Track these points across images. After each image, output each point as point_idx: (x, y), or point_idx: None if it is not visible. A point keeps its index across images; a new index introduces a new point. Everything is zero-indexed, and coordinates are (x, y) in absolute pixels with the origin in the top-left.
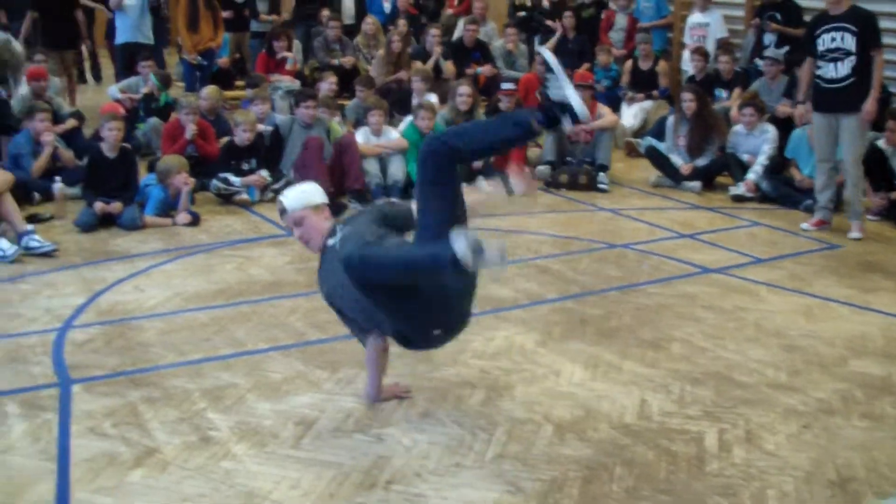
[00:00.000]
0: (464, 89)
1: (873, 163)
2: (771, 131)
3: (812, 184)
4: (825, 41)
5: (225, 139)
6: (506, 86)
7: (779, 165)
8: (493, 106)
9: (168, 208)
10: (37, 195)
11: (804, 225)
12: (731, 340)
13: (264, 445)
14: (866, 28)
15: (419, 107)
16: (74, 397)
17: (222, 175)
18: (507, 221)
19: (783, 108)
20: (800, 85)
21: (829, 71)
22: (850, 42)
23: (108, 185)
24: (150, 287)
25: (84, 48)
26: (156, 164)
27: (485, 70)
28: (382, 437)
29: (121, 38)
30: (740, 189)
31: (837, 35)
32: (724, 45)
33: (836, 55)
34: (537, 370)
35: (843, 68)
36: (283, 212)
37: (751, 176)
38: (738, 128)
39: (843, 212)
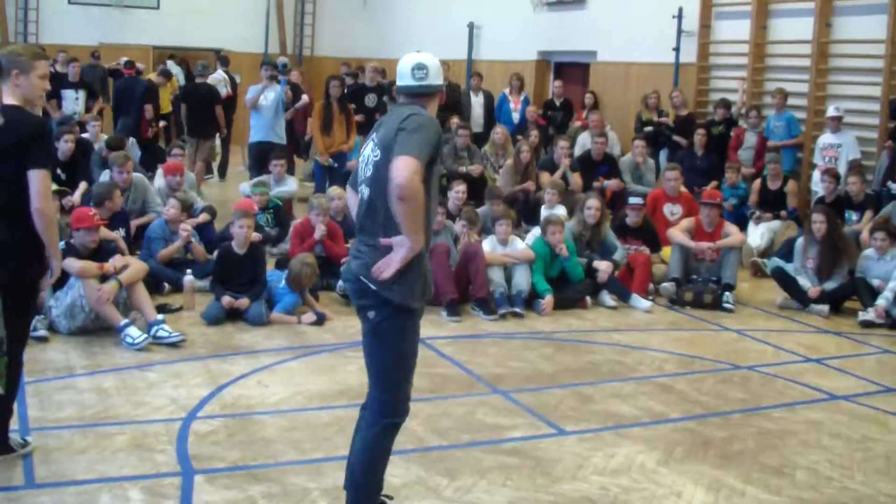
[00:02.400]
0: (592, 202)
1: None
2: None
3: None
4: None
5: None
6: (633, 200)
7: None
8: (620, 220)
9: (294, 307)
10: (166, 285)
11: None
12: (860, 472)
13: None
14: None
15: (548, 221)
16: (196, 488)
17: None
18: (629, 337)
19: None
20: None
21: None
22: None
23: (237, 280)
24: (273, 383)
25: (219, 142)
26: (280, 262)
27: (612, 184)
28: None
29: (255, 136)
30: (870, 315)
31: None
32: (855, 167)
33: None
34: (657, 490)
35: None
36: None
37: (881, 302)
38: (869, 252)
39: None
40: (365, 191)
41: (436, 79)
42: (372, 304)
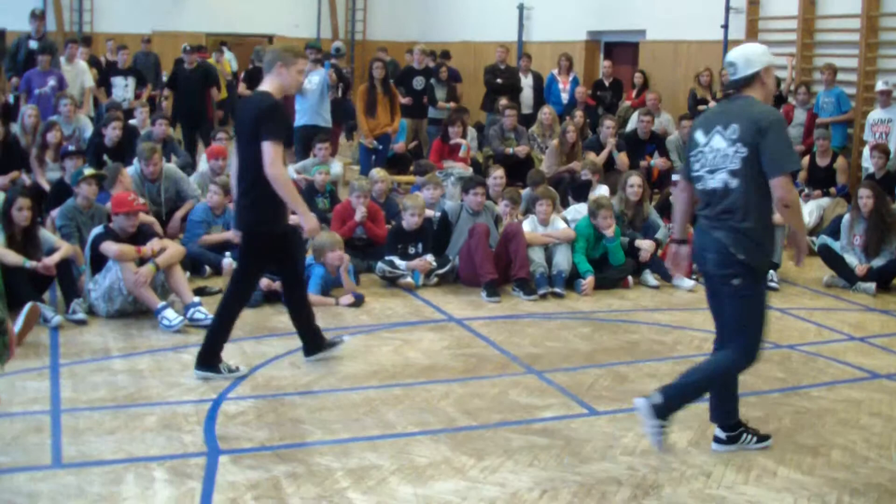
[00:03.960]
0: (634, 180)
1: None
2: None
3: None
4: None
5: (393, 223)
6: (676, 177)
7: None
8: (664, 199)
9: (332, 286)
10: (207, 268)
11: None
12: None
13: None
14: None
15: (600, 205)
16: (220, 468)
17: (388, 258)
18: (670, 317)
19: None
20: None
21: None
22: None
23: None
24: (305, 365)
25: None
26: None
27: (658, 163)
28: None
29: (300, 120)
30: None
31: None
32: None
33: None
34: (687, 470)
35: None
36: None
37: None
38: None
39: None
40: (722, 179)
41: (746, 69)
42: (738, 273)
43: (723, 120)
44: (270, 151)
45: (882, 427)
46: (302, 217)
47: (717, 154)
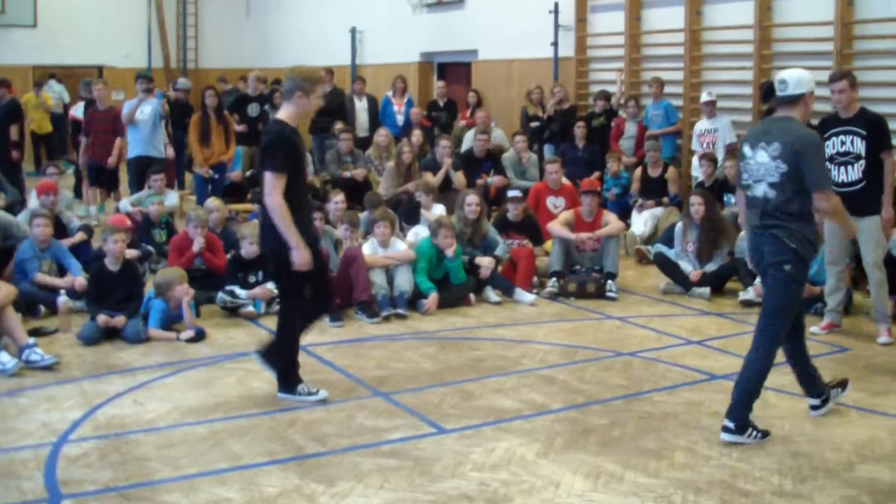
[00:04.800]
0: (471, 198)
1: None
2: None
3: (815, 288)
4: (835, 144)
5: (232, 252)
6: (512, 193)
7: None
8: (502, 216)
9: (172, 321)
10: (42, 308)
11: (814, 329)
12: (737, 448)
13: None
14: (876, 131)
15: (440, 224)
16: None
17: (229, 288)
18: (513, 332)
19: None
20: None
21: (840, 174)
22: (859, 145)
23: (112, 298)
24: (149, 400)
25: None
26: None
27: (495, 180)
28: None
29: (133, 151)
30: (749, 294)
31: (847, 138)
32: (732, 151)
33: (845, 159)
34: (536, 482)
35: (854, 172)
36: None
37: (758, 282)
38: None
39: (853, 314)
40: (763, 189)
41: (796, 88)
42: (789, 259)
43: (766, 138)
44: (269, 181)
45: (721, 426)
46: (294, 251)
47: (761, 167)
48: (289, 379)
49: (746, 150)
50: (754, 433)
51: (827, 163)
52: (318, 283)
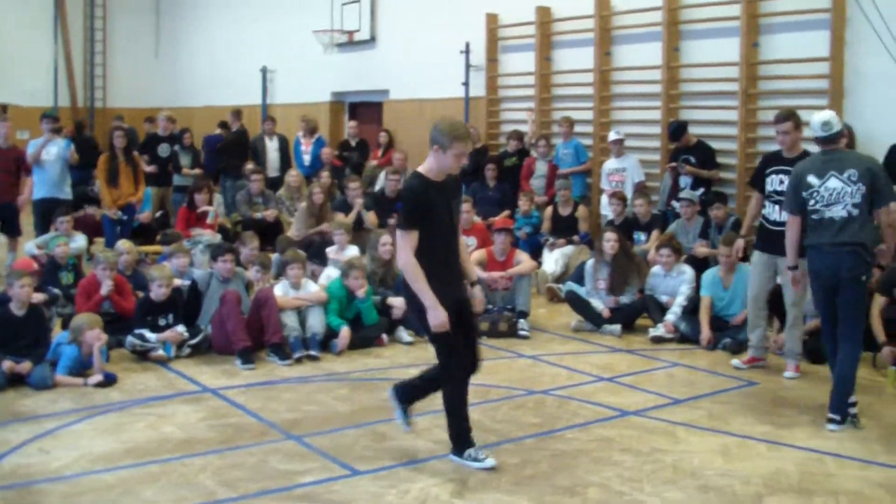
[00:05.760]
0: (385, 238)
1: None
2: (688, 272)
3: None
4: (773, 182)
5: (141, 294)
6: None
7: (696, 306)
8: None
9: (82, 367)
10: None
11: (736, 362)
12: (648, 483)
13: None
14: None
15: (351, 266)
16: None
17: (138, 332)
18: None
19: (700, 249)
20: (745, 220)
21: (774, 213)
22: None
23: (18, 343)
24: (56, 448)
25: None
26: (69, 321)
27: None
28: None
29: (38, 193)
30: (659, 330)
31: (787, 178)
32: (640, 189)
33: (782, 198)
34: None
35: None
36: None
37: (670, 317)
38: (657, 269)
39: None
40: (841, 210)
41: (837, 125)
42: (865, 271)
43: (836, 166)
44: (398, 239)
45: (633, 462)
46: (430, 311)
47: (835, 192)
48: (461, 439)
49: (812, 179)
50: (852, 418)
51: (765, 200)
52: (465, 339)
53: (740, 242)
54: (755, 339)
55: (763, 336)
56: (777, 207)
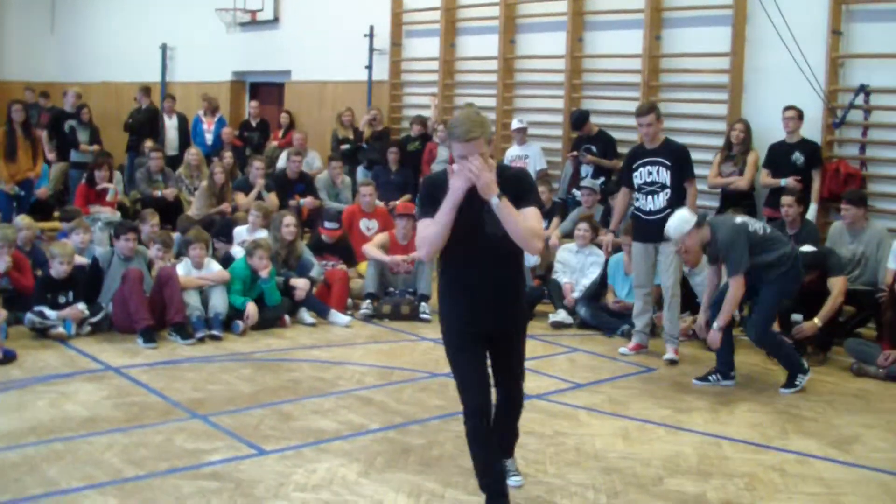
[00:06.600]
0: (289, 219)
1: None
2: (600, 255)
3: (626, 307)
4: (642, 174)
5: (40, 271)
6: (329, 225)
7: (597, 292)
8: (316, 239)
9: None
10: None
11: (622, 349)
12: (552, 465)
13: None
14: (680, 161)
15: (257, 245)
16: None
17: (38, 309)
18: (329, 353)
19: (602, 237)
20: (613, 215)
21: (647, 203)
22: (664, 175)
23: None
24: None
25: None
26: None
27: (307, 202)
28: None
29: None
30: (560, 316)
31: (654, 169)
32: (542, 177)
33: (652, 188)
34: (359, 501)
35: (660, 201)
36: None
37: (574, 295)
38: (569, 246)
39: (657, 335)
40: None
41: None
42: None
43: None
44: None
45: (536, 444)
46: None
47: None
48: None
49: None
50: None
51: (636, 193)
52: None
53: (609, 237)
54: (640, 325)
55: (647, 323)
56: (650, 198)
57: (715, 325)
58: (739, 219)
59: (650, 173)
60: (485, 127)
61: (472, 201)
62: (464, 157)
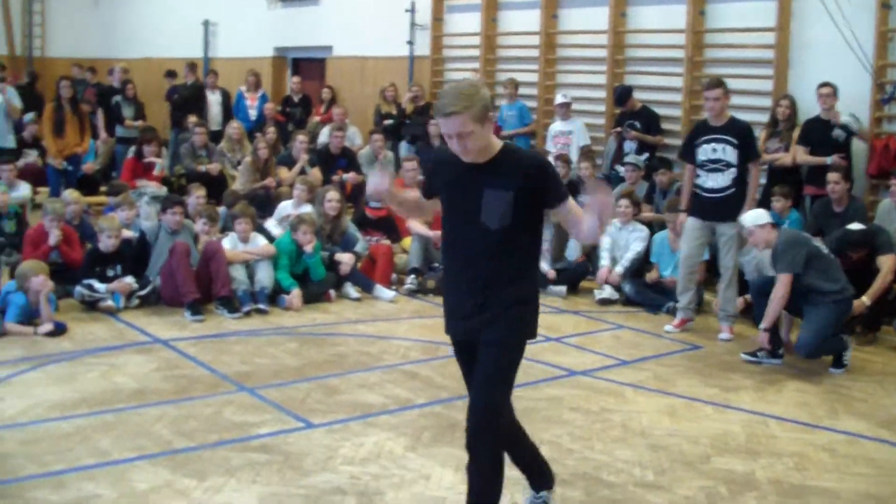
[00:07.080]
0: (332, 195)
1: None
2: (644, 231)
3: (673, 284)
4: (706, 151)
5: (89, 245)
6: (374, 204)
7: (641, 269)
8: (361, 214)
9: (31, 315)
10: None
11: (668, 327)
12: (598, 441)
13: None
14: (745, 140)
15: (301, 220)
16: None
17: (86, 282)
18: (374, 328)
19: (645, 214)
20: (682, 193)
21: (709, 181)
22: (730, 154)
23: None
24: (9, 396)
25: None
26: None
27: (350, 177)
28: None
29: None
30: (605, 292)
31: (719, 146)
32: (586, 153)
33: (716, 166)
34: (407, 475)
35: (724, 179)
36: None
37: (618, 269)
38: (613, 223)
39: (704, 312)
40: None
41: None
42: None
43: None
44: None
45: (582, 420)
46: None
47: None
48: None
49: None
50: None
51: (698, 169)
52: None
53: (682, 216)
54: (684, 301)
55: (692, 300)
56: (713, 176)
57: (761, 325)
58: (809, 236)
59: (714, 150)
60: (472, 101)
61: (472, 186)
62: (450, 136)
